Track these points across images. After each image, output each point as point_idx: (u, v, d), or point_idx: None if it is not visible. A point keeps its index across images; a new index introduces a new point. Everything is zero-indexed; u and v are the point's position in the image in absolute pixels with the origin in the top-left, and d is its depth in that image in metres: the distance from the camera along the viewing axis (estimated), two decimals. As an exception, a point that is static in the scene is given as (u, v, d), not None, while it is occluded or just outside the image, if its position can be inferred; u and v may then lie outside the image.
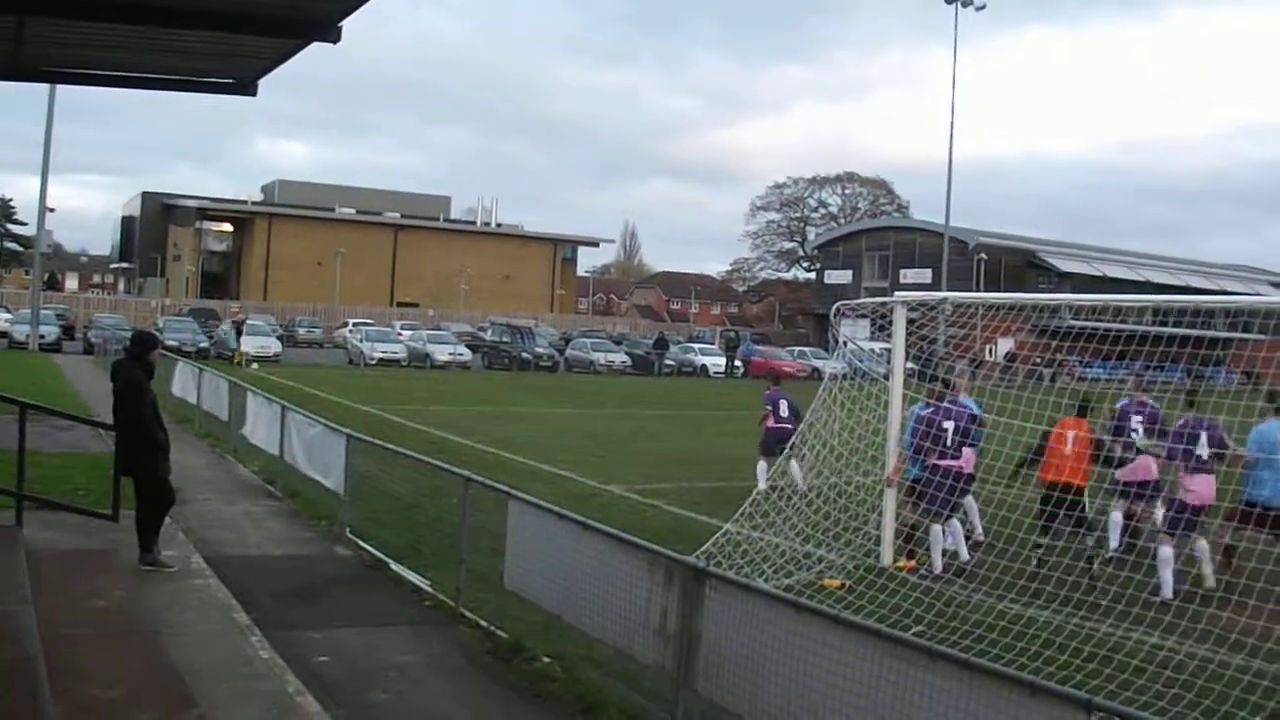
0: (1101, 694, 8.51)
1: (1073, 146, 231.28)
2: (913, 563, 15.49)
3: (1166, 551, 14.53)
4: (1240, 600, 12.25)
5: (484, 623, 11.89)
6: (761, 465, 21.05)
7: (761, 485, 18.96)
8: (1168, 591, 14.18)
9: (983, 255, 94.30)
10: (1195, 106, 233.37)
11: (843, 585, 13.97)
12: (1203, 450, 15.03)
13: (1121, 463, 16.34)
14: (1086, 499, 15.02)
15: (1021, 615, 12.76)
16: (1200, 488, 14.95)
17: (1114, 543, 16.56)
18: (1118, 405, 17.63)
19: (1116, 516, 16.85)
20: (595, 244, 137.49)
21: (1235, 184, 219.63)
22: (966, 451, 16.05)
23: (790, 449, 17.46)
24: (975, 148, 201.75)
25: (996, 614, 12.72)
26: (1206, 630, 11.93)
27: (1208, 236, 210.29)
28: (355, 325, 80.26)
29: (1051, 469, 15.27)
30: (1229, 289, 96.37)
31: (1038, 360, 32.82)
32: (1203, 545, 14.80)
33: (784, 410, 21.73)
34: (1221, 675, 10.57)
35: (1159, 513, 16.35)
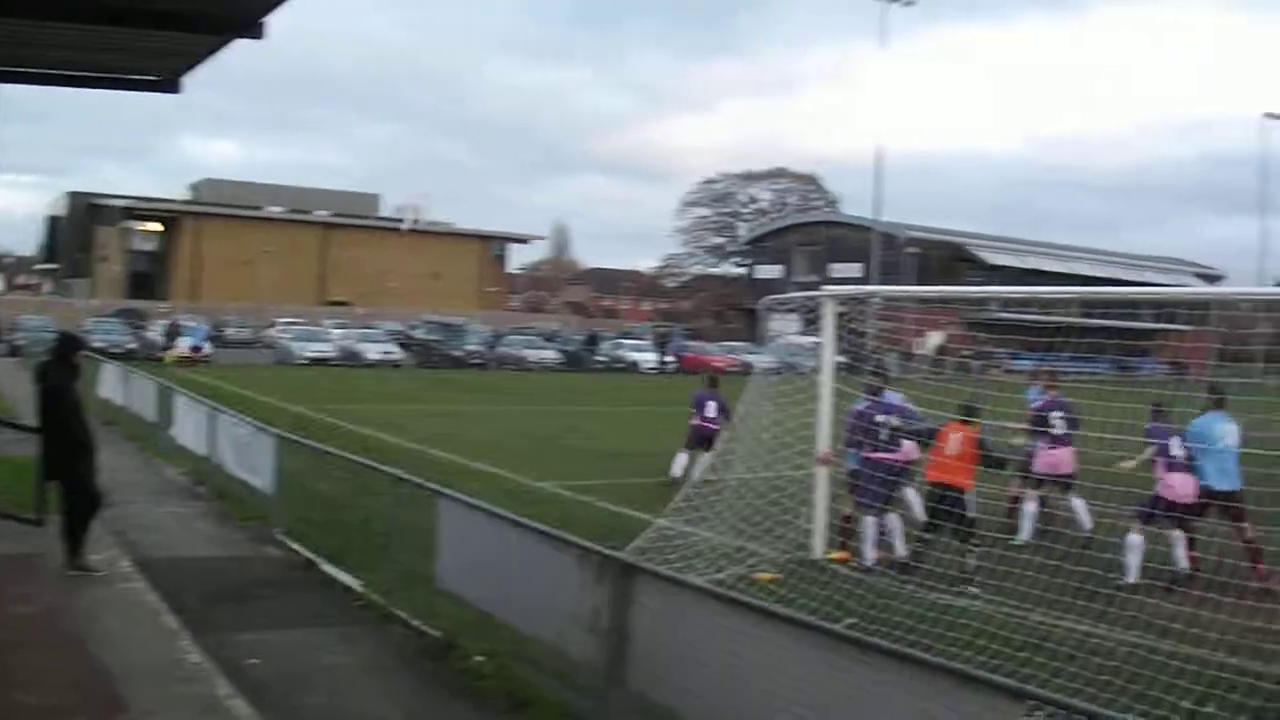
0: (1033, 682, 8.58)
1: (1002, 142, 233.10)
2: (845, 554, 15.57)
3: (1135, 539, 14.83)
4: (1165, 587, 12.42)
5: (415, 622, 11.83)
6: (681, 457, 21.23)
7: (675, 472, 19.08)
8: (1132, 577, 14.45)
9: (913, 249, 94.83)
10: (1121, 103, 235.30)
11: (775, 579, 14.01)
12: (1178, 451, 15.35)
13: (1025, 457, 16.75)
14: (968, 499, 15.02)
15: (953, 606, 12.83)
16: (1178, 484, 15.16)
17: (1025, 533, 16.88)
18: (1028, 396, 17.86)
19: (1031, 507, 17.10)
20: (525, 241, 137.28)
21: (1160, 179, 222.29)
22: (906, 444, 16.14)
23: (716, 446, 17.57)
24: (906, 143, 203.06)
25: (928, 605, 12.78)
26: (1135, 617, 12.05)
27: (1134, 230, 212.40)
28: (284, 324, 79.75)
29: (935, 468, 15.33)
30: (1155, 281, 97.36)
31: (967, 353, 33.03)
32: (1177, 534, 14.96)
33: (710, 411, 21.83)
34: (1151, 661, 10.68)
35: (1077, 503, 16.68)
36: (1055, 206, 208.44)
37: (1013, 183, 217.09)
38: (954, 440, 15.16)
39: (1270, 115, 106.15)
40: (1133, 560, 14.64)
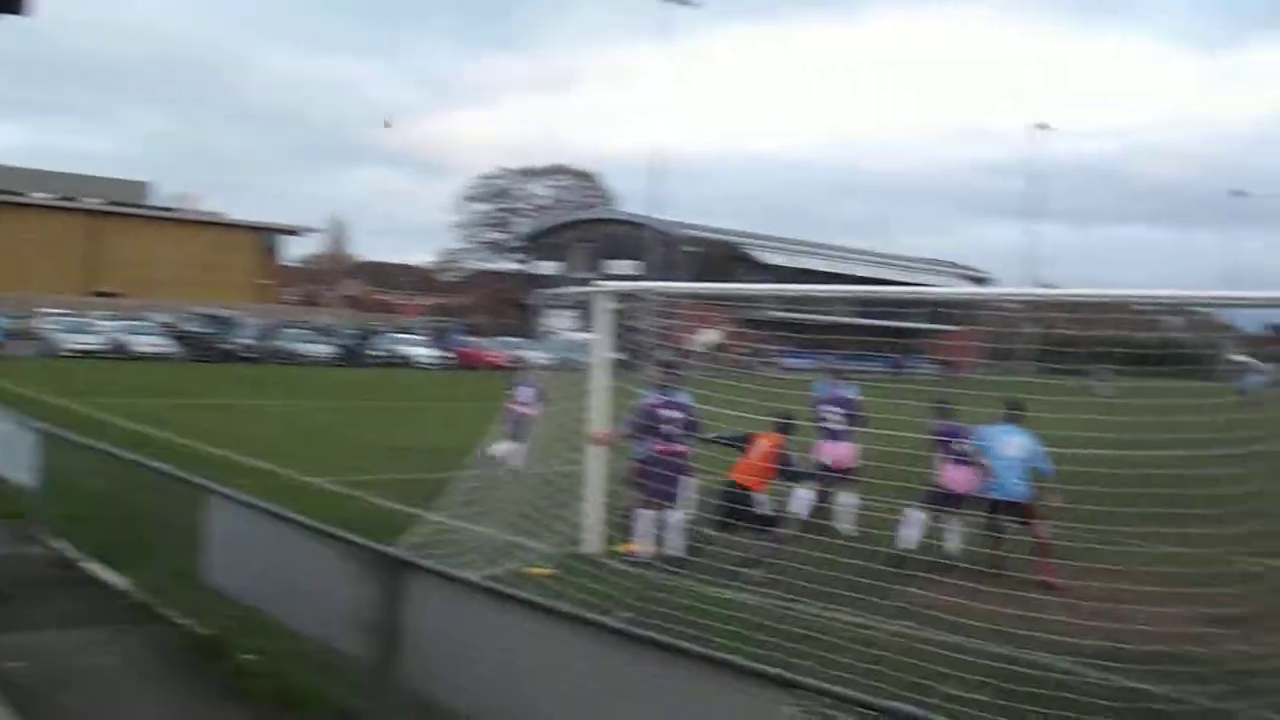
0: (805, 673, 8.71)
1: (780, 143, 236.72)
2: (635, 546, 15.70)
3: (916, 515, 15.88)
4: (933, 578, 12.75)
5: (185, 621, 11.51)
6: (501, 446, 21.25)
7: (498, 458, 19.10)
8: (909, 545, 15.51)
9: (689, 248, 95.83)
10: (896, 108, 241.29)
11: (549, 574, 14.02)
12: (961, 447, 16.35)
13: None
14: (759, 499, 15.24)
15: (727, 599, 12.98)
16: (956, 477, 16.21)
17: (801, 513, 17.29)
18: (816, 391, 18.22)
19: (804, 494, 17.44)
20: (298, 233, 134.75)
21: (933, 184, 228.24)
22: (686, 440, 16.30)
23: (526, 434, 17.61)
24: (686, 143, 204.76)
25: (703, 598, 12.91)
26: (903, 607, 12.34)
27: (906, 233, 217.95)
28: (50, 315, 77.18)
29: (735, 468, 15.55)
30: (925, 282, 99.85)
31: (742, 351, 33.44)
32: (952, 524, 15.99)
33: (526, 396, 21.74)
34: (919, 650, 10.95)
35: (849, 499, 17.16)
36: (829, 207, 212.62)
37: (789, 184, 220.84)
38: (760, 446, 15.46)
39: (1040, 125, 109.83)
40: (910, 533, 15.54)
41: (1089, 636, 11.41)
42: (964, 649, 11.09)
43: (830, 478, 17.86)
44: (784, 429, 15.82)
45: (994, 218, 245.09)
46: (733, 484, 15.27)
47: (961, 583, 13.09)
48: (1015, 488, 15.57)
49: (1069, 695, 9.90)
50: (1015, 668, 10.59)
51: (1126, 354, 16.29)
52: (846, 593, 12.67)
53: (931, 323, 69.50)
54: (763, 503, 15.28)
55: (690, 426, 16.20)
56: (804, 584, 12.92)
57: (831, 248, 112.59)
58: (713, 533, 15.40)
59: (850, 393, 18.56)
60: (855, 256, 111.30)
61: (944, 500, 16.07)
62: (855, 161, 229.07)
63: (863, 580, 12.67)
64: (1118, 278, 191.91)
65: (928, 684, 9.96)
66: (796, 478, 16.26)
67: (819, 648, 10.86)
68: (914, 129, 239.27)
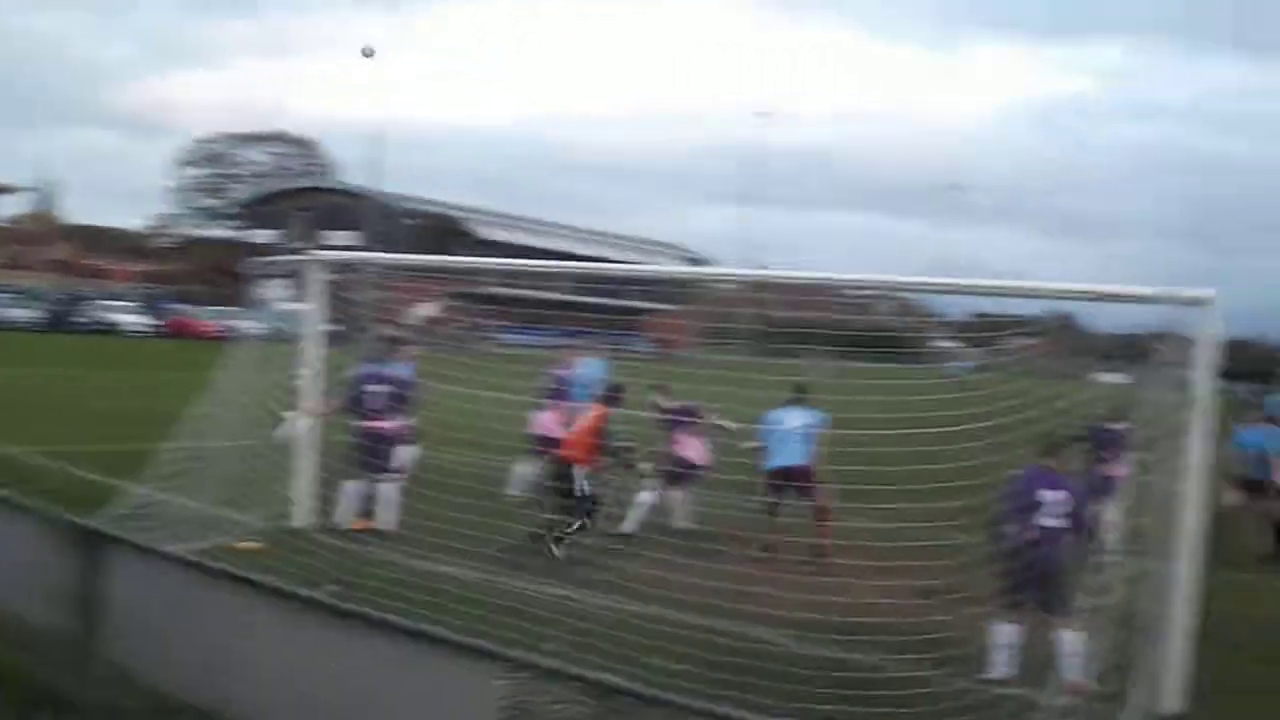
0: (514, 646, 8.67)
1: (504, 118, 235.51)
2: (367, 521, 15.57)
3: (646, 497, 16.19)
4: (637, 552, 12.90)
5: None
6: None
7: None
8: (630, 527, 15.82)
9: (409, 220, 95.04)
10: (620, 88, 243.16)
11: (257, 548, 13.71)
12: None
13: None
14: (577, 474, 15.13)
15: (437, 573, 12.86)
16: (690, 448, 16.91)
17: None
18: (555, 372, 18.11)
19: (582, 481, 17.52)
20: (7, 191, 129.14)
21: (654, 165, 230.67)
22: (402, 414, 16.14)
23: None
24: (411, 114, 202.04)
25: (413, 572, 12.77)
26: (612, 581, 12.41)
27: (627, 214, 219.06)
28: None
29: (565, 443, 15.56)
30: (644, 263, 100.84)
31: (460, 325, 33.26)
32: (677, 495, 16.52)
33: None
34: (626, 623, 11.05)
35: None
36: (552, 186, 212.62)
37: (513, 160, 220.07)
38: (586, 418, 15.46)
39: (760, 112, 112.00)
40: (638, 515, 15.94)
41: (799, 609, 11.64)
42: (674, 622, 11.21)
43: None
44: (609, 402, 15.77)
45: (713, 202, 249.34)
46: (558, 460, 15.26)
47: (671, 558, 13.24)
48: (796, 456, 15.90)
49: (775, 666, 10.08)
50: (725, 640, 10.74)
51: (839, 337, 16.69)
52: (561, 567, 12.70)
53: (648, 302, 70.18)
54: (582, 479, 15.14)
55: (400, 399, 16.03)
56: (513, 557, 12.88)
57: (552, 225, 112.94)
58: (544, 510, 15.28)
59: (598, 370, 18.70)
60: (575, 234, 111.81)
61: (681, 473, 16.30)
62: (579, 140, 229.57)
63: (577, 555, 12.72)
64: (832, 264, 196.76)
65: (635, 656, 10.03)
66: (615, 454, 15.89)
67: (529, 621, 10.84)
68: (638, 110, 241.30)
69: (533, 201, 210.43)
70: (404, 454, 16.59)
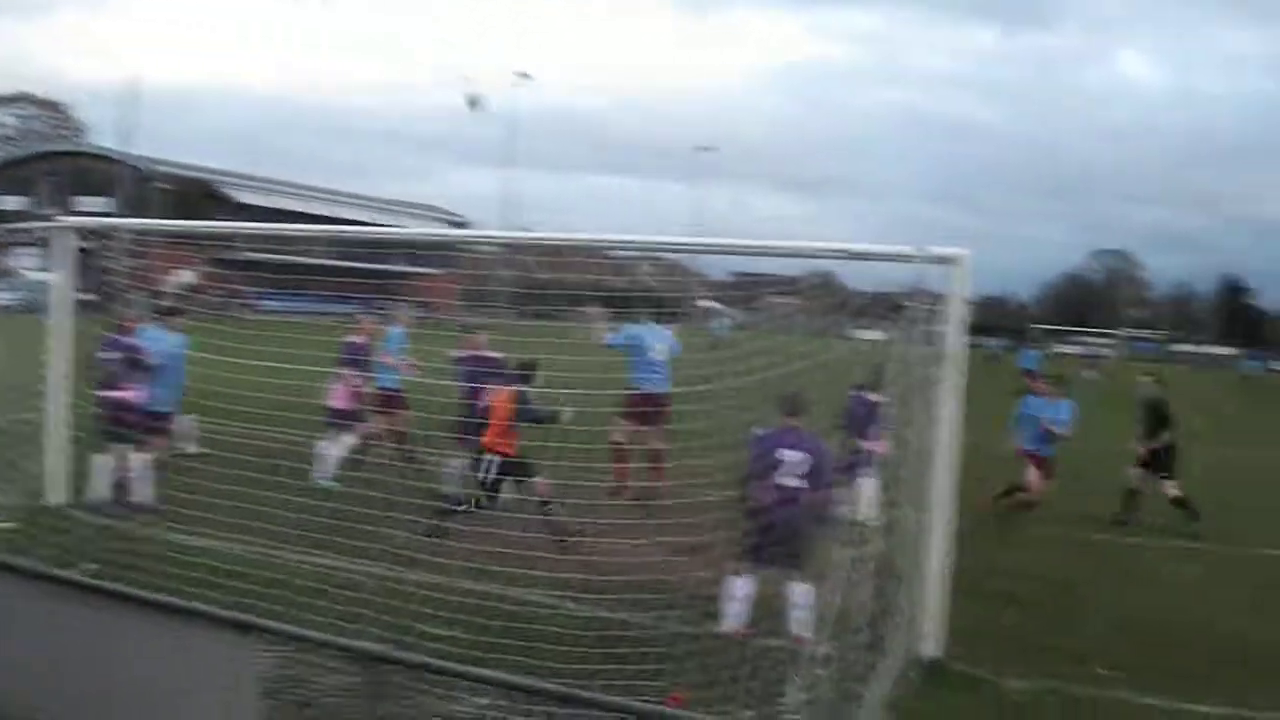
0: (279, 618, 8.57)
1: (261, 80, 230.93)
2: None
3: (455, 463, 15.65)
4: (405, 517, 12.84)
5: None
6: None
7: None
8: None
9: (164, 185, 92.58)
10: (381, 49, 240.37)
11: (10, 527, 13.28)
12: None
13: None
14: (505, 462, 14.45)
15: (196, 547, 12.59)
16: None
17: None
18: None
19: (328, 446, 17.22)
20: None
21: (415, 127, 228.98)
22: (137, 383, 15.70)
23: None
24: (166, 75, 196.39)
25: (174, 546, 12.50)
26: (382, 549, 12.32)
27: (390, 178, 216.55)
28: None
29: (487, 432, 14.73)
30: (407, 226, 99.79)
31: (218, 292, 32.47)
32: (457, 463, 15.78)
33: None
34: (398, 591, 11.01)
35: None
36: (312, 149, 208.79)
37: (270, 123, 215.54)
38: (497, 401, 14.68)
39: (521, 74, 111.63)
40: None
41: (570, 571, 11.70)
42: (445, 588, 11.17)
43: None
44: (521, 379, 14.95)
45: (474, 164, 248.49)
46: (482, 451, 14.47)
47: (447, 524, 13.20)
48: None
49: (548, 628, 10.13)
50: (499, 605, 10.75)
51: (602, 298, 16.73)
52: (327, 537, 12.54)
53: (410, 266, 69.67)
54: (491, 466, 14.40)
55: (151, 369, 15.57)
56: (288, 530, 12.65)
57: (312, 189, 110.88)
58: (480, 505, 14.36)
59: (397, 339, 18.57)
60: (336, 199, 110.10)
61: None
62: (338, 103, 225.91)
63: (344, 524, 12.56)
64: (595, 226, 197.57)
65: (407, 625, 10.00)
66: (539, 419, 14.75)
67: (299, 593, 10.71)
68: (397, 73, 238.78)
69: (292, 165, 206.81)
70: (167, 425, 16.19)
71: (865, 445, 13.40)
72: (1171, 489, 18.56)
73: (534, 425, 14.46)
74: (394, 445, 17.96)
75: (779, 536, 10.83)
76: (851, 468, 13.76)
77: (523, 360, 15.08)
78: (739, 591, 10.96)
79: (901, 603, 10.47)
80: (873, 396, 12.98)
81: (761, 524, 10.90)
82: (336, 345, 18.15)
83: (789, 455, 11.14)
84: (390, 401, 18.25)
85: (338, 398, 17.54)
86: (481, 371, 16.29)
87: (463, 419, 15.95)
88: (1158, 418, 18.98)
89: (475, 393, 16.16)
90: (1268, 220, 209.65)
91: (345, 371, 17.62)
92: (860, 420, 13.55)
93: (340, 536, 12.55)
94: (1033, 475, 18.59)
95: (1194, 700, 10.22)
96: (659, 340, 16.90)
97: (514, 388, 14.70)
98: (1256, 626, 12.92)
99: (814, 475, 11.14)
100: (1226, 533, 18.22)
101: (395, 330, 18.93)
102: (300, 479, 14.83)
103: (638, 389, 16.63)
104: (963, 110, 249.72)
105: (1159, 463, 18.72)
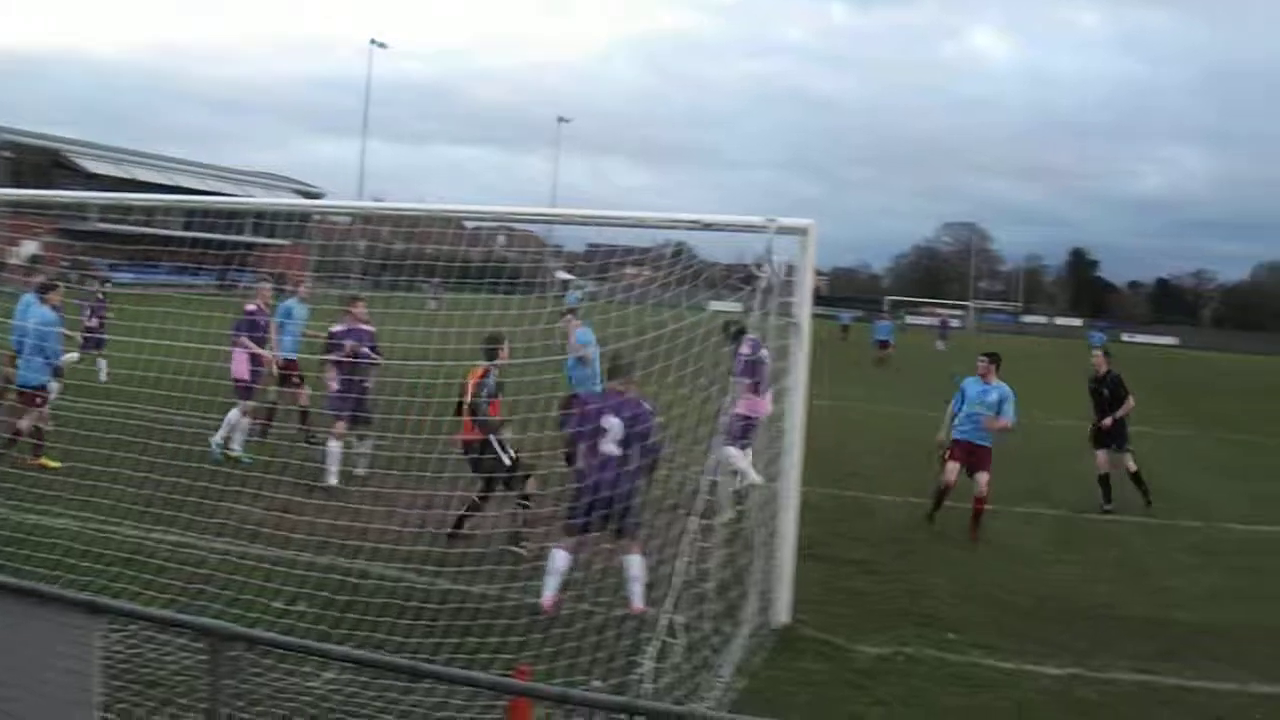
0: (126, 596, 8.43)
1: (109, 46, 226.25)
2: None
3: (334, 446, 15.59)
4: (250, 491, 12.69)
5: None
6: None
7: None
8: (332, 479, 15.26)
9: (7, 153, 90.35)
10: (232, 16, 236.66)
11: None
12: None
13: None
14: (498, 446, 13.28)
15: (46, 526, 12.32)
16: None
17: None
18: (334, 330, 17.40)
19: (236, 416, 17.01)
20: None
21: (267, 97, 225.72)
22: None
23: None
24: (11, 40, 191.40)
25: (19, 527, 12.20)
26: (224, 524, 12.18)
27: (242, 147, 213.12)
28: None
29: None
30: (258, 196, 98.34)
31: (64, 263, 31.79)
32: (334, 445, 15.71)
33: None
34: (242, 566, 10.83)
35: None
36: (162, 117, 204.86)
37: (119, 90, 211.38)
38: (471, 387, 13.34)
39: (375, 42, 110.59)
40: (334, 466, 15.51)
41: (417, 544, 11.63)
42: (291, 562, 11.08)
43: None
44: (488, 356, 13.58)
45: (329, 134, 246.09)
46: (465, 443, 13.34)
47: (290, 498, 13.04)
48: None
49: (395, 601, 10.08)
50: (345, 578, 10.65)
51: (456, 268, 16.61)
52: (170, 512, 12.31)
53: (263, 236, 68.82)
54: (500, 448, 13.21)
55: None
56: (127, 505, 12.42)
57: (162, 158, 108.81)
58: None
59: (299, 311, 18.33)
60: (187, 168, 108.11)
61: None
62: (189, 71, 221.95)
63: (189, 499, 12.34)
64: (450, 196, 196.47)
65: (253, 600, 9.90)
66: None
67: (145, 570, 10.55)
68: (250, 41, 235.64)
69: (143, 134, 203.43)
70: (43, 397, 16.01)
71: (747, 405, 13.18)
72: (1130, 463, 18.64)
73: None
74: (298, 419, 17.88)
75: (602, 505, 10.70)
76: (744, 432, 13.75)
77: (488, 336, 13.81)
78: (558, 564, 10.79)
79: (754, 571, 10.56)
80: (750, 352, 12.81)
81: (584, 493, 10.83)
82: (194, 319, 17.79)
83: (612, 421, 10.98)
84: (289, 372, 18.06)
85: (239, 367, 17.25)
86: (364, 346, 16.20)
87: (344, 396, 15.83)
88: (1116, 392, 18.99)
89: (356, 369, 16.07)
90: (1115, 194, 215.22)
91: (243, 340, 17.32)
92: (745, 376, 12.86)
93: (186, 513, 12.33)
94: (983, 479, 16.00)
95: (1038, 662, 10.46)
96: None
97: (481, 368, 13.42)
98: (1097, 589, 13.22)
99: (632, 441, 10.93)
100: (1066, 499, 18.63)
101: (289, 303, 18.61)
102: (150, 454, 14.57)
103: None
104: (818, 83, 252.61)
105: (1120, 435, 18.86)
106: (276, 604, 9.91)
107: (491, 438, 13.10)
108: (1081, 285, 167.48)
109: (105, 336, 22.01)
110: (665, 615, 8.88)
